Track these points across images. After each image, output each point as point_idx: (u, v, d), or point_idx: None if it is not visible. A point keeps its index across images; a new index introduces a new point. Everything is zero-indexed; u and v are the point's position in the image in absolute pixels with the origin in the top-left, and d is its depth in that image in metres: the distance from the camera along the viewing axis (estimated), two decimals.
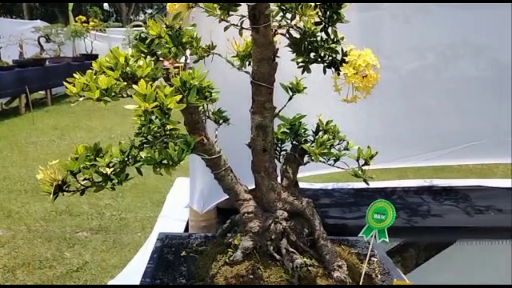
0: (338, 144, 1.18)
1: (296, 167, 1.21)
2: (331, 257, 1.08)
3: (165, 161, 0.91)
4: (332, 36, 1.05)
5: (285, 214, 1.13)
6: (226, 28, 1.08)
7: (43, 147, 5.54)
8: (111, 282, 1.67)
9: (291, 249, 1.08)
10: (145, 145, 0.98)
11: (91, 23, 10.54)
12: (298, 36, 1.07)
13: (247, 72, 1.11)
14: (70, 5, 11.58)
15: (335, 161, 1.16)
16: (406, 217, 1.83)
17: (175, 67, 0.99)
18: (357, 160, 1.17)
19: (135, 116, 0.88)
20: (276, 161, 1.19)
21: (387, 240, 1.06)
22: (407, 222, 1.78)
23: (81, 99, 0.92)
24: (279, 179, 1.19)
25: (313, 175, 1.85)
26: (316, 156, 1.12)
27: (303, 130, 1.20)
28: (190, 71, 0.97)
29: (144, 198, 3.95)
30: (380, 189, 2.12)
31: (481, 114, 1.92)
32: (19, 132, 6.39)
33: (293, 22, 1.05)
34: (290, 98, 1.17)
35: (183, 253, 1.26)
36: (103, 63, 0.95)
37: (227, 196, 1.20)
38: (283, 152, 1.24)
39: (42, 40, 8.80)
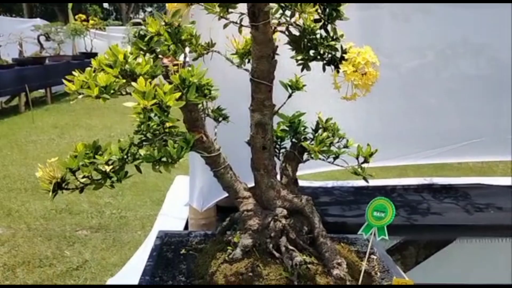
0: (338, 142, 1.18)
1: (296, 165, 1.21)
2: (331, 255, 1.08)
3: (164, 159, 0.91)
4: (331, 34, 1.05)
5: (285, 211, 1.12)
6: (225, 26, 1.08)
7: (43, 146, 5.54)
8: (111, 280, 1.67)
9: (290, 247, 1.08)
10: (144, 143, 0.98)
11: (91, 22, 10.52)
12: (297, 33, 1.06)
13: (246, 70, 1.11)
14: (70, 4, 11.56)
15: (335, 158, 1.16)
16: (406, 215, 1.83)
17: (174, 65, 0.99)
18: (357, 158, 1.17)
19: (134, 114, 0.88)
20: (275, 158, 1.18)
21: (386, 237, 1.06)
22: (407, 220, 1.79)
23: (80, 96, 0.91)
24: (278, 177, 1.18)
25: (312, 173, 1.85)
26: (315, 154, 1.12)
27: (302, 128, 1.19)
28: (189, 68, 0.96)
29: (144, 197, 3.95)
30: (380, 187, 2.12)
31: (480, 112, 1.92)
32: (19, 130, 6.39)
33: (293, 20, 1.05)
34: (290, 96, 1.17)
35: (183, 251, 1.26)
36: (102, 60, 0.95)
37: (226, 194, 1.19)
38: (282, 150, 1.24)
39: (42, 38, 8.79)
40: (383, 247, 1.38)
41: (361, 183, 2.15)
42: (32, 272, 2.73)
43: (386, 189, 2.11)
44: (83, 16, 10.39)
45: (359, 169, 1.15)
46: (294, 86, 1.16)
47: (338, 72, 1.06)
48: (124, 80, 0.92)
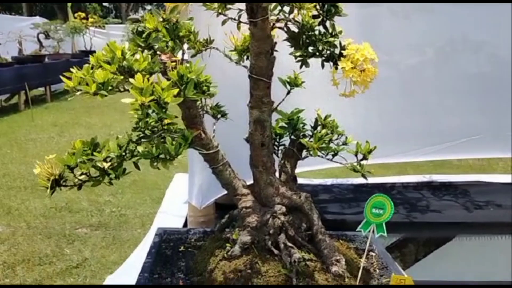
0: (337, 139, 1.18)
1: (295, 162, 1.20)
2: (329, 252, 1.08)
3: (162, 156, 0.91)
4: (330, 30, 1.05)
5: (283, 208, 1.12)
6: (224, 22, 1.08)
7: (42, 144, 5.53)
8: (109, 277, 1.67)
9: (289, 244, 1.08)
10: (142, 140, 0.98)
11: (90, 20, 10.53)
12: (296, 30, 1.06)
13: (245, 67, 1.11)
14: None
15: (334, 156, 1.16)
16: (405, 212, 1.83)
17: (172, 61, 0.99)
18: (356, 155, 1.17)
19: (132, 110, 0.87)
20: (274, 156, 1.18)
21: (385, 234, 1.06)
22: (406, 218, 1.79)
23: (78, 93, 0.91)
24: (277, 174, 1.18)
25: (312, 170, 1.85)
26: (314, 151, 1.12)
27: (301, 125, 1.19)
28: (188, 65, 0.96)
29: (144, 195, 3.95)
30: (380, 185, 2.13)
31: (480, 109, 1.92)
32: (18, 128, 6.38)
33: (291, 16, 1.05)
34: (288, 93, 1.16)
35: (181, 248, 1.26)
36: (100, 57, 0.94)
37: (225, 192, 1.19)
38: (281, 147, 1.24)
39: (41, 36, 8.78)
40: (382, 244, 1.38)
41: (360, 180, 2.15)
42: (32, 270, 2.72)
43: (386, 187, 2.11)
44: (83, 14, 10.39)
45: (358, 166, 1.15)
46: (293, 83, 1.16)
47: (336, 68, 1.06)
48: (122, 77, 0.92)
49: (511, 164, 3.86)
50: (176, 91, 0.87)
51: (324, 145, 1.12)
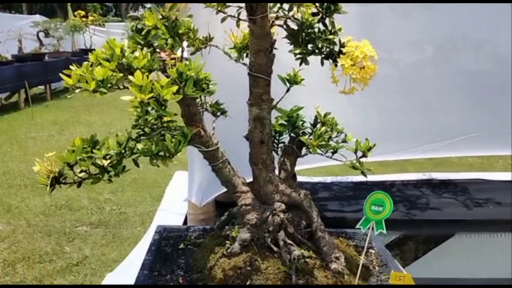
0: (336, 136, 1.18)
1: (294, 160, 1.20)
2: (329, 249, 1.08)
3: (162, 153, 0.91)
4: (329, 27, 1.05)
5: (283, 206, 1.12)
6: (223, 20, 1.08)
7: (42, 142, 5.54)
8: (109, 275, 1.67)
9: (288, 241, 1.08)
10: (142, 137, 0.98)
11: (90, 18, 10.51)
12: (295, 27, 1.06)
13: (244, 64, 1.11)
14: None
15: (333, 153, 1.16)
16: (405, 210, 1.83)
17: (171, 59, 0.99)
18: (355, 152, 1.17)
19: (132, 108, 0.88)
20: (274, 153, 1.18)
21: (384, 231, 1.06)
22: (406, 215, 1.79)
23: (77, 90, 0.91)
24: (276, 171, 1.18)
25: (311, 168, 1.85)
26: (314, 148, 1.12)
27: (301, 122, 1.19)
28: (187, 62, 0.96)
29: (144, 193, 3.95)
30: (379, 182, 2.13)
31: (479, 106, 1.92)
32: (18, 127, 6.38)
33: (291, 13, 1.05)
34: (288, 90, 1.16)
35: (181, 246, 1.26)
36: (99, 54, 0.94)
37: (225, 189, 1.19)
38: (281, 145, 1.24)
39: (41, 35, 8.77)
40: (381, 242, 1.39)
41: (360, 178, 2.15)
42: (32, 268, 2.73)
43: (385, 184, 2.11)
44: (82, 13, 10.37)
45: (357, 164, 1.15)
46: (292, 80, 1.16)
47: (336, 66, 1.06)
48: (121, 74, 0.92)
49: (511, 162, 3.86)
50: (175, 88, 0.87)
51: (323, 142, 1.12)
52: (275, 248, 1.08)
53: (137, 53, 0.94)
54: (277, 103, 1.15)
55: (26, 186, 4.05)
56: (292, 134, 1.20)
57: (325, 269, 1.06)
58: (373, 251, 1.27)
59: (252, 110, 1.10)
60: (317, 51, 1.06)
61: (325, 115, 1.18)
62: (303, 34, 1.05)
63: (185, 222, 1.77)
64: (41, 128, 6.28)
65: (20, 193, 3.92)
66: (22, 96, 7.66)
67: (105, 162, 0.94)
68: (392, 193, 1.99)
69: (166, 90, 0.86)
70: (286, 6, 1.04)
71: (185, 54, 1.12)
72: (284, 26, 1.07)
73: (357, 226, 1.10)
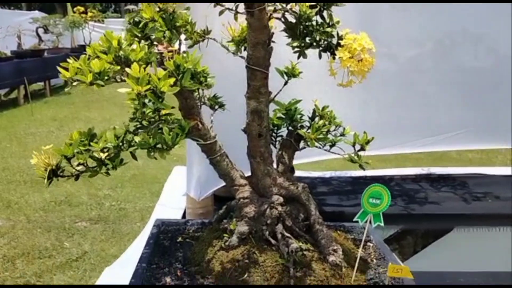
0: (334, 130, 1.18)
1: (292, 153, 1.20)
2: (327, 242, 1.09)
3: (159, 146, 0.91)
4: (327, 20, 1.05)
5: (281, 199, 1.12)
6: (221, 13, 1.07)
7: (42, 138, 5.53)
8: (108, 269, 1.67)
9: (286, 234, 1.08)
10: (139, 130, 0.98)
11: (89, 14, 10.48)
12: (293, 20, 1.06)
13: (242, 57, 1.10)
14: None
15: (331, 146, 1.16)
16: (404, 204, 1.83)
17: (169, 51, 0.99)
18: (353, 146, 1.17)
19: (129, 100, 0.87)
20: (272, 146, 1.18)
21: (382, 224, 1.06)
22: (404, 210, 1.79)
23: (74, 83, 0.91)
24: (274, 164, 1.18)
25: (310, 162, 1.85)
26: (311, 142, 1.12)
27: (299, 116, 1.19)
28: (184, 55, 0.96)
29: (143, 189, 3.96)
30: (378, 177, 2.13)
31: (478, 101, 1.92)
32: (18, 123, 6.38)
33: (288, 6, 1.05)
34: (286, 83, 1.16)
35: (179, 239, 1.26)
36: (96, 47, 0.94)
37: (224, 183, 1.19)
38: (279, 138, 1.24)
39: (41, 31, 8.76)
40: (380, 236, 1.39)
41: (359, 173, 2.16)
42: (31, 264, 2.73)
43: (384, 179, 2.11)
44: (82, 9, 10.34)
45: (355, 157, 1.15)
46: (290, 73, 1.16)
47: (334, 58, 1.05)
48: (119, 67, 0.92)
49: (511, 158, 3.87)
50: (172, 80, 0.87)
51: (321, 136, 1.12)
52: (273, 241, 1.08)
53: (134, 46, 0.94)
54: (275, 96, 1.14)
55: (25, 182, 4.05)
56: (290, 128, 1.20)
57: (323, 261, 1.06)
58: (371, 244, 1.28)
59: (250, 103, 1.10)
60: (315, 44, 1.06)
61: (323, 108, 1.18)
62: (301, 27, 1.05)
63: (183, 217, 1.77)
64: (40, 124, 6.28)
65: (20, 189, 3.92)
66: (22, 92, 7.65)
67: (103, 155, 0.94)
68: (391, 187, 1.99)
69: (163, 82, 0.85)
70: None
71: (183, 47, 1.12)
72: (282, 19, 1.06)
73: (355, 219, 1.10)
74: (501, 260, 1.89)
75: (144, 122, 0.96)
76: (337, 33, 1.05)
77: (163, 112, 0.93)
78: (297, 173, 1.24)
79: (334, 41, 1.05)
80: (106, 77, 0.89)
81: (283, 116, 1.20)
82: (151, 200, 3.63)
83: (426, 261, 1.97)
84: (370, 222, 1.08)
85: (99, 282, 1.61)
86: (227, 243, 1.09)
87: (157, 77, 0.86)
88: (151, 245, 1.21)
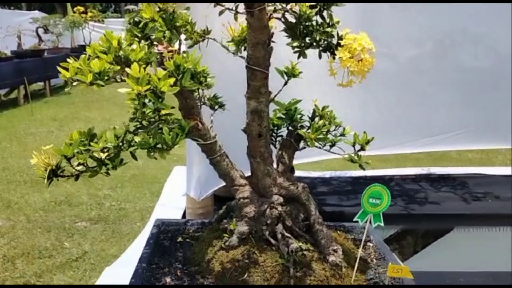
0: (334, 130, 1.18)
1: (292, 153, 1.20)
2: (327, 242, 1.09)
3: (159, 145, 0.91)
4: (327, 20, 1.05)
5: (281, 199, 1.13)
6: (221, 13, 1.07)
7: (42, 138, 5.53)
8: (108, 269, 1.67)
9: (286, 234, 1.08)
10: (139, 130, 0.98)
11: (89, 14, 10.48)
12: (293, 20, 1.06)
13: (242, 57, 1.10)
14: None
15: (331, 146, 1.16)
16: (404, 204, 1.83)
17: (169, 51, 0.99)
18: (353, 146, 1.17)
19: (129, 100, 0.87)
20: (272, 146, 1.18)
21: (382, 224, 1.06)
22: (404, 210, 1.79)
23: (74, 83, 0.91)
24: (274, 164, 1.18)
25: (310, 162, 1.85)
26: (311, 142, 1.12)
27: (299, 116, 1.19)
28: (184, 55, 0.96)
29: (143, 189, 3.96)
30: (378, 177, 2.13)
31: (478, 100, 1.92)
32: (18, 123, 6.38)
33: (288, 6, 1.05)
34: (286, 83, 1.16)
35: (179, 239, 1.26)
36: (96, 47, 0.94)
37: (224, 183, 1.19)
38: (279, 138, 1.24)
39: (40, 31, 8.76)
40: (380, 236, 1.39)
41: (359, 173, 2.16)
42: (31, 264, 2.73)
43: (384, 179, 2.11)
44: (82, 9, 10.34)
45: (355, 157, 1.15)
46: (290, 73, 1.16)
47: (334, 58, 1.05)
48: (119, 67, 0.92)
49: (511, 158, 3.87)
50: (172, 80, 0.87)
51: (321, 136, 1.12)
52: (273, 241, 1.08)
53: (134, 46, 0.94)
54: (275, 96, 1.14)
55: (25, 182, 4.05)
56: (290, 128, 1.20)
57: (323, 261, 1.06)
58: (371, 244, 1.28)
59: (250, 103, 1.10)
60: (315, 44, 1.06)
61: (323, 108, 1.18)
62: (301, 27, 1.05)
63: (184, 217, 1.77)
64: (40, 124, 6.28)
65: (20, 189, 3.92)
66: (22, 92, 7.65)
67: (103, 155, 0.94)
68: (391, 187, 1.99)
69: (163, 82, 0.85)
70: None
71: (183, 47, 1.12)
72: (282, 19, 1.06)
73: (355, 219, 1.10)
74: (501, 260, 1.89)
75: (144, 122, 0.96)
76: (337, 33, 1.05)
77: (163, 112, 0.93)
78: (297, 173, 1.25)
79: (334, 41, 1.05)
80: (106, 77, 0.89)
81: (283, 116, 1.20)
82: (151, 200, 3.63)
83: (426, 261, 1.97)
84: (370, 222, 1.08)
85: (99, 282, 1.61)
86: (227, 243, 1.09)
87: (157, 77, 0.86)
88: (151, 245, 1.21)
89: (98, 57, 0.92)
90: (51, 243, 3.00)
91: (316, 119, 1.19)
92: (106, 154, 0.95)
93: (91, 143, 0.96)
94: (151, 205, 3.48)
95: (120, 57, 0.91)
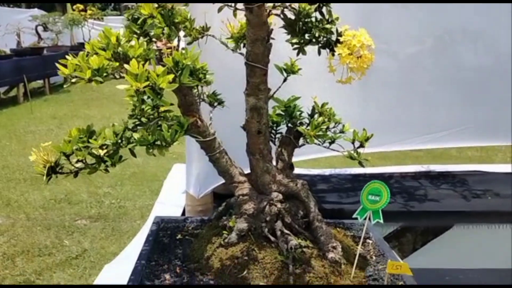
0: (334, 127, 1.18)
1: (291, 150, 1.20)
2: (326, 239, 1.09)
3: (158, 142, 0.91)
4: (327, 17, 1.04)
5: (280, 196, 1.12)
6: (220, 9, 1.07)
7: (41, 136, 5.53)
8: (107, 266, 1.67)
9: (285, 231, 1.08)
10: (138, 127, 0.97)
11: (89, 12, 10.47)
12: (292, 16, 1.05)
13: (241, 54, 1.10)
14: None
15: (330, 143, 1.15)
16: (403, 202, 1.83)
17: (167, 48, 0.98)
18: (353, 143, 1.17)
19: (128, 97, 0.87)
20: (271, 143, 1.18)
21: (381, 221, 1.06)
22: (404, 207, 1.79)
23: (73, 80, 0.91)
24: (274, 161, 1.18)
25: (309, 159, 1.85)
26: (311, 138, 1.12)
27: (298, 113, 1.19)
28: (183, 51, 0.96)
29: (143, 187, 3.95)
30: (378, 175, 2.13)
31: (478, 98, 1.92)
32: (17, 121, 6.37)
33: (287, 3, 1.04)
34: (285, 80, 1.16)
35: (179, 236, 1.26)
36: (95, 44, 0.94)
37: (223, 181, 1.19)
38: (278, 135, 1.23)
39: (40, 29, 8.75)
40: (379, 233, 1.39)
41: (358, 170, 2.15)
42: (31, 261, 2.73)
43: (384, 176, 2.11)
44: (81, 6, 10.33)
45: (355, 154, 1.15)
46: (289, 70, 1.15)
47: (333, 55, 1.05)
48: (117, 63, 0.91)
49: (510, 155, 3.87)
50: (171, 77, 0.87)
51: (321, 132, 1.12)
52: (272, 238, 1.08)
53: (133, 42, 0.93)
54: (274, 93, 1.14)
55: (25, 180, 4.05)
56: (289, 124, 1.20)
57: (322, 258, 1.06)
58: (371, 241, 1.28)
59: (249, 100, 1.09)
60: (314, 40, 1.06)
61: (323, 105, 1.18)
62: (300, 23, 1.05)
63: (183, 214, 1.77)
64: (40, 122, 6.27)
65: (19, 187, 3.92)
66: (21, 90, 7.64)
67: (101, 152, 0.94)
68: (391, 184, 1.99)
69: (162, 79, 0.85)
70: None
71: (182, 44, 1.11)
72: (281, 16, 1.06)
73: (354, 216, 1.10)
74: (501, 257, 1.89)
75: (143, 119, 0.96)
76: (336, 30, 1.05)
77: (162, 108, 0.93)
78: (297, 170, 1.24)
79: (333, 37, 1.05)
80: (104, 74, 0.89)
81: (282, 113, 1.20)
82: (151, 198, 3.62)
83: (426, 258, 1.97)
84: (369, 219, 1.08)
85: (98, 279, 1.61)
86: (226, 240, 1.09)
87: (156, 74, 0.85)
88: (151, 242, 1.21)
89: (96, 53, 0.92)
90: (51, 241, 3.00)
91: (316, 116, 1.19)
92: (105, 151, 0.94)
93: (90, 140, 0.95)
94: (151, 203, 3.48)
95: (118, 54, 0.91)
